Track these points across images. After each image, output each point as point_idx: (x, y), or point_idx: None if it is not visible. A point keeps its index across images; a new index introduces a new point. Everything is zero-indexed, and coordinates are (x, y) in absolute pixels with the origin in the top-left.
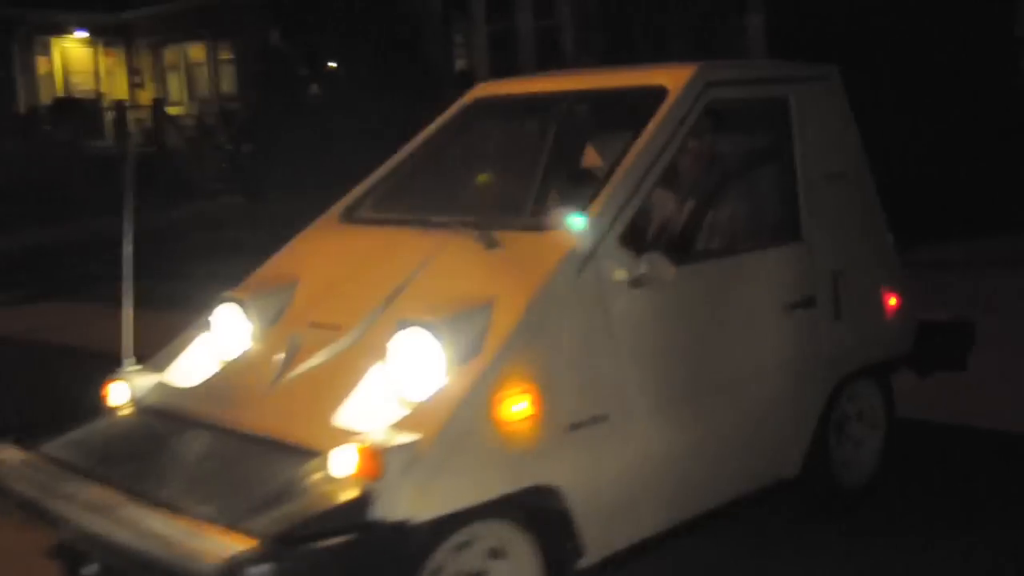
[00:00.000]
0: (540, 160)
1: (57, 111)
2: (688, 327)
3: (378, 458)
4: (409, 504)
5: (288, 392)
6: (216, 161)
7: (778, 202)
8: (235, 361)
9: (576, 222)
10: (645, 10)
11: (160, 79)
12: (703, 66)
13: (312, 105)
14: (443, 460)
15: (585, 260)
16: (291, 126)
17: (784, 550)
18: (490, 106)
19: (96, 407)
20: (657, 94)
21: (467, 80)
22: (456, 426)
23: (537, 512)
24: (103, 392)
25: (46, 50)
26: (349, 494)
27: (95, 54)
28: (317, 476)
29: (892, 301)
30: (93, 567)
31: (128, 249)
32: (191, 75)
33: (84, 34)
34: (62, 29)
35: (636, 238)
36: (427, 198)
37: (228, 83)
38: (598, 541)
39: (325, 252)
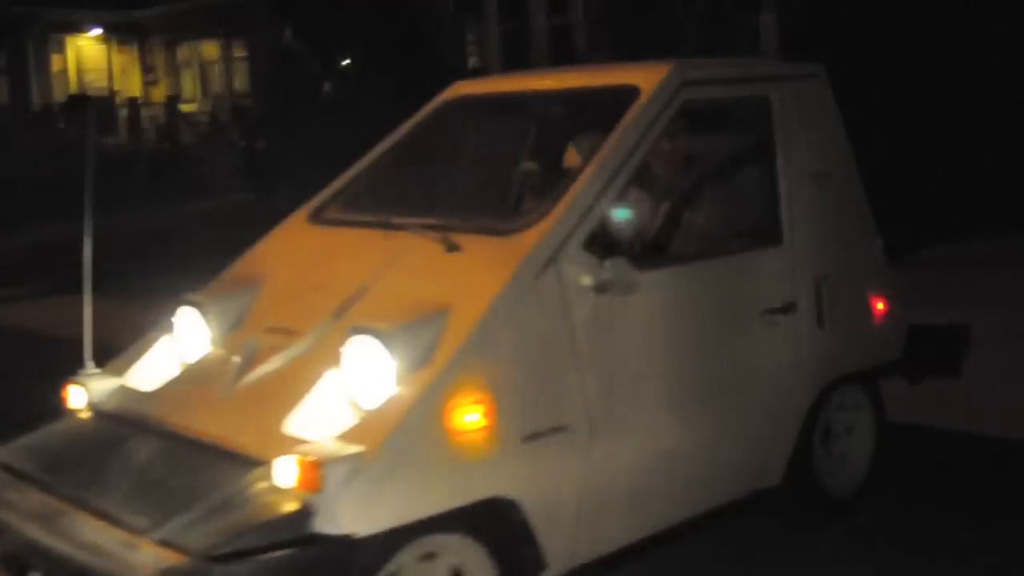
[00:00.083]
0: (516, 161)
1: (70, 108)
2: (657, 334)
3: (317, 471)
4: (351, 518)
5: (241, 398)
6: (229, 158)
7: (758, 204)
8: (193, 366)
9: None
10: (657, 9)
11: (174, 76)
12: (678, 65)
13: (325, 103)
14: (388, 472)
15: (545, 265)
16: (304, 123)
17: (778, 555)
18: (464, 106)
19: (56, 410)
20: (629, 93)
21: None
22: (403, 437)
23: (495, 525)
24: (62, 395)
25: (60, 48)
26: (288, 507)
27: (109, 52)
28: (260, 486)
29: (880, 306)
30: None
31: (88, 251)
32: (204, 72)
33: (98, 32)
34: (76, 27)
35: (605, 242)
36: (397, 199)
37: (241, 80)
38: (561, 555)
39: (290, 254)
